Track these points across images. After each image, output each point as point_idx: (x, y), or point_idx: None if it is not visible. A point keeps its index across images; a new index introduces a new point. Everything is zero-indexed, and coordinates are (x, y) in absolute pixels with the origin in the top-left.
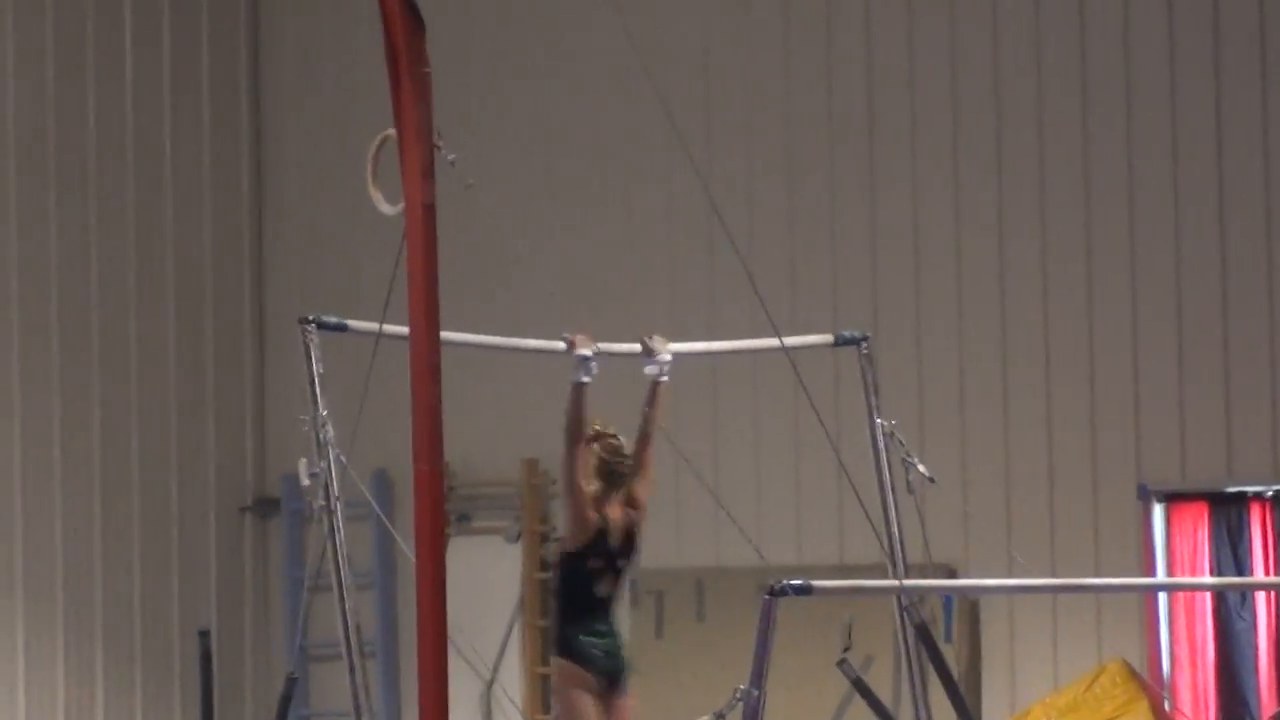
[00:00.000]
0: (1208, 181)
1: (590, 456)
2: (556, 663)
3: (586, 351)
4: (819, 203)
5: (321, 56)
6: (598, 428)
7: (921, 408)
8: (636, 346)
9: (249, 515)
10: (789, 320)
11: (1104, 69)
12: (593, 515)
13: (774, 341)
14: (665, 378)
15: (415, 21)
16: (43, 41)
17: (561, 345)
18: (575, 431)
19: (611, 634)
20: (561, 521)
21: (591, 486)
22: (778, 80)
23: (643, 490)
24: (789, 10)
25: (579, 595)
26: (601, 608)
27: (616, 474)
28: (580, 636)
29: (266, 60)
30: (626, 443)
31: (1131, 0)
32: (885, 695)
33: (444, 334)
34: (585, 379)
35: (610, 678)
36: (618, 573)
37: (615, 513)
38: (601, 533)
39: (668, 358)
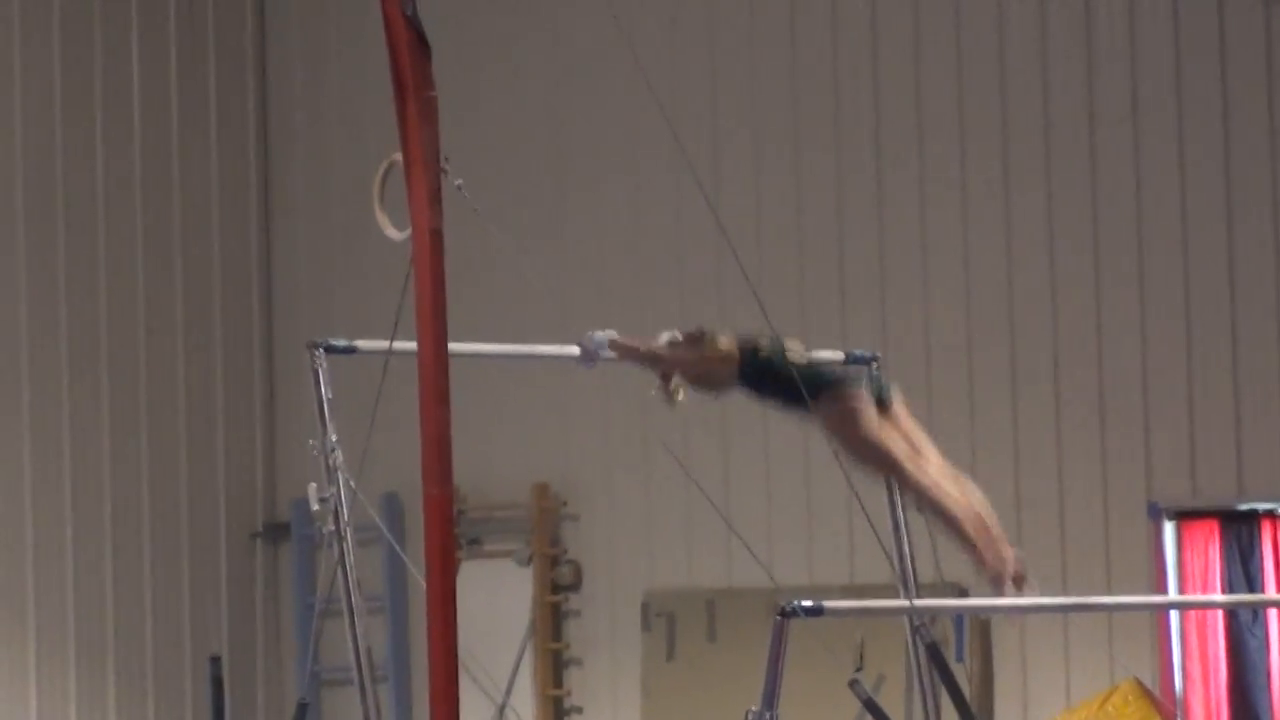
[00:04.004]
0: (1215, 201)
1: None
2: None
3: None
4: (827, 224)
5: (328, 81)
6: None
7: (930, 427)
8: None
9: (259, 541)
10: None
11: (1111, 94)
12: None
13: None
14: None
15: (422, 46)
16: (50, 73)
17: (573, 350)
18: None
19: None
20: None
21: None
22: (784, 99)
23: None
24: (795, 29)
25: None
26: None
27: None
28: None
29: (273, 85)
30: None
31: (1137, 21)
32: (897, 715)
33: (453, 345)
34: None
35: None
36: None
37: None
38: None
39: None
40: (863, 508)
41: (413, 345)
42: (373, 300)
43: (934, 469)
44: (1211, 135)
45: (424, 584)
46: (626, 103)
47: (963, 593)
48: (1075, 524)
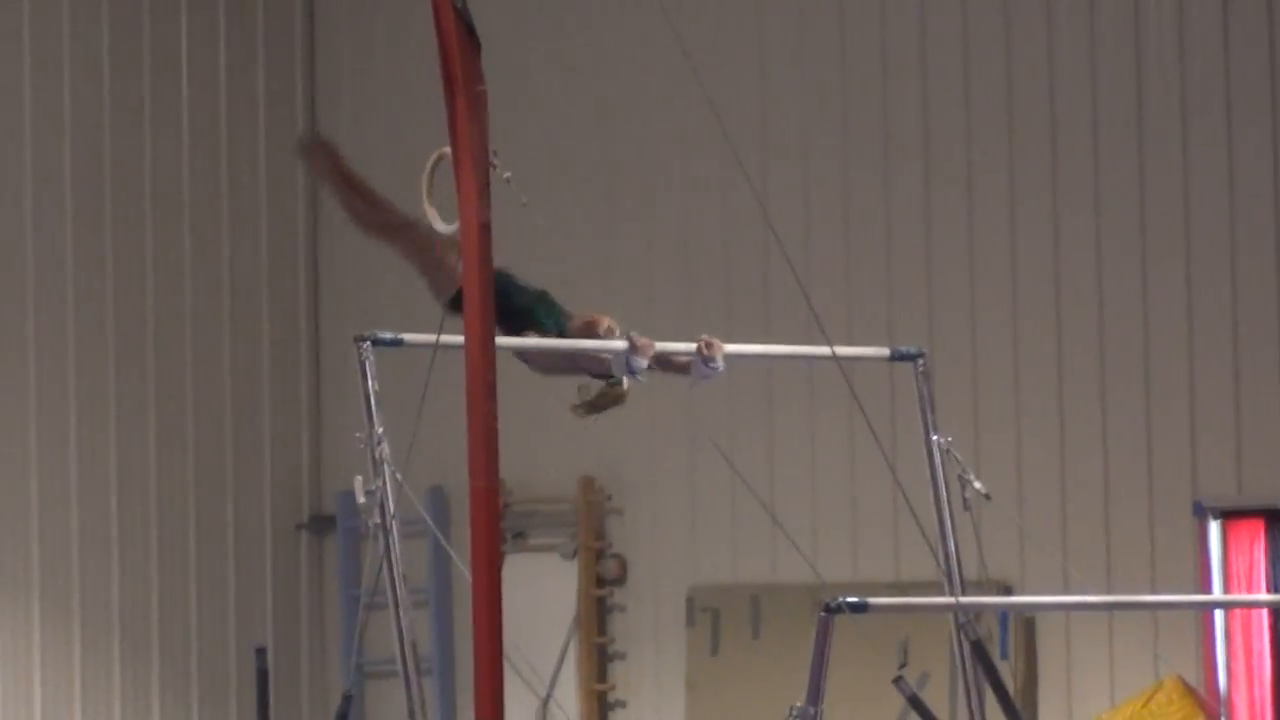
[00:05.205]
0: (1263, 200)
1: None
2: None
3: (642, 362)
4: (874, 217)
5: (376, 73)
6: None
7: (977, 424)
8: (693, 346)
9: (305, 533)
10: (844, 337)
11: (1160, 91)
12: None
13: (827, 350)
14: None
15: (471, 41)
16: (99, 67)
17: (620, 344)
18: (556, 367)
19: None
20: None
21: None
22: (834, 94)
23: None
24: (845, 25)
25: None
26: None
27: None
28: None
29: (322, 78)
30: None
31: (1187, 28)
32: (941, 712)
33: (500, 340)
34: (616, 375)
35: None
36: None
37: None
38: None
39: (720, 367)
40: (909, 504)
41: (460, 338)
42: (420, 293)
43: None
44: (1260, 135)
45: (469, 577)
46: (676, 97)
47: (1007, 590)
48: (1120, 522)
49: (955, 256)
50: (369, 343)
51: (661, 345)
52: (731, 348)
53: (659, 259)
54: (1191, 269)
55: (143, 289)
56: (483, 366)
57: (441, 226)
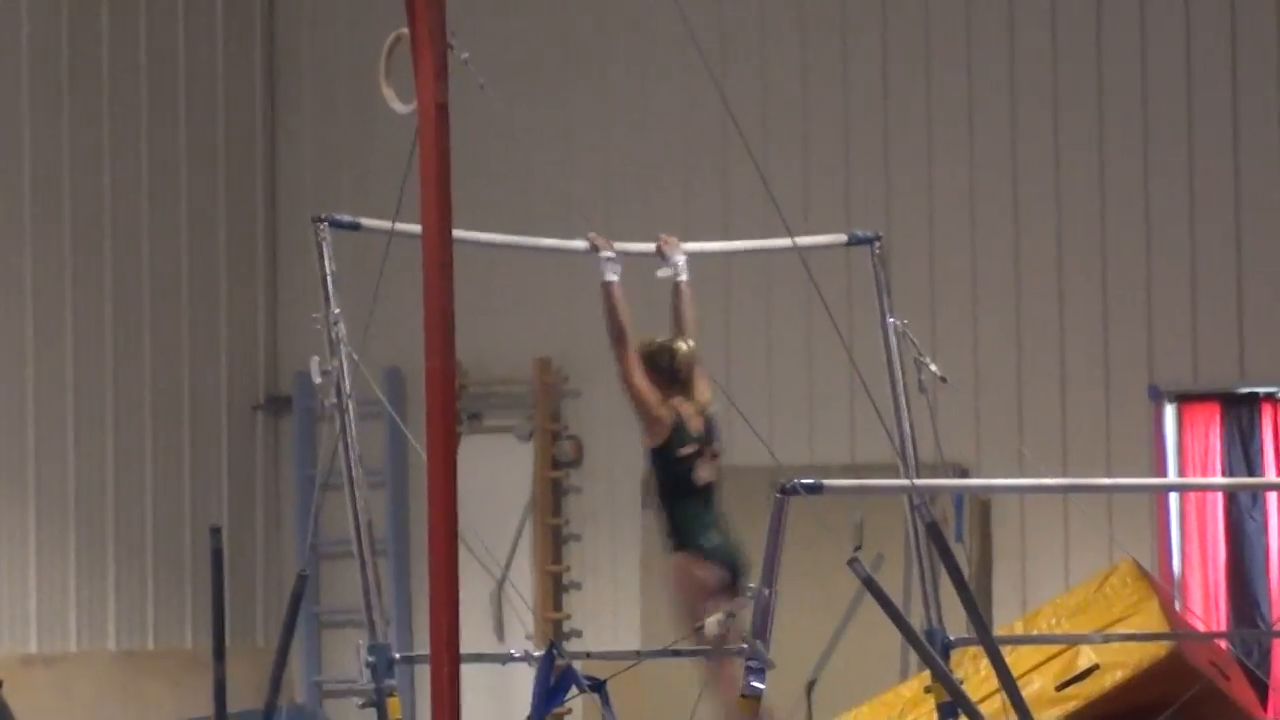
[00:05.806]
0: (1221, 80)
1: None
2: (677, 558)
3: (610, 252)
4: (832, 103)
5: None
6: (656, 343)
7: (934, 307)
8: (651, 246)
9: (261, 413)
10: (802, 220)
11: None
12: (664, 413)
13: (787, 242)
14: (683, 277)
15: None
16: None
17: (580, 244)
18: (620, 331)
19: (724, 524)
20: (636, 422)
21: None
22: None
23: (703, 386)
24: None
25: (681, 486)
26: (706, 496)
27: (674, 378)
28: (698, 529)
29: None
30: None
31: None
32: (896, 594)
33: (457, 232)
34: (613, 277)
35: (732, 571)
36: (710, 455)
37: (683, 405)
38: (678, 424)
39: (681, 259)
40: (865, 387)
41: (416, 227)
42: (377, 173)
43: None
44: (1219, 19)
45: (425, 458)
46: None
47: (963, 473)
48: (1076, 406)
49: (913, 142)
50: (327, 224)
51: (621, 245)
52: (693, 246)
53: (617, 147)
54: (1149, 153)
55: (99, 170)
56: (439, 249)
57: (399, 106)
